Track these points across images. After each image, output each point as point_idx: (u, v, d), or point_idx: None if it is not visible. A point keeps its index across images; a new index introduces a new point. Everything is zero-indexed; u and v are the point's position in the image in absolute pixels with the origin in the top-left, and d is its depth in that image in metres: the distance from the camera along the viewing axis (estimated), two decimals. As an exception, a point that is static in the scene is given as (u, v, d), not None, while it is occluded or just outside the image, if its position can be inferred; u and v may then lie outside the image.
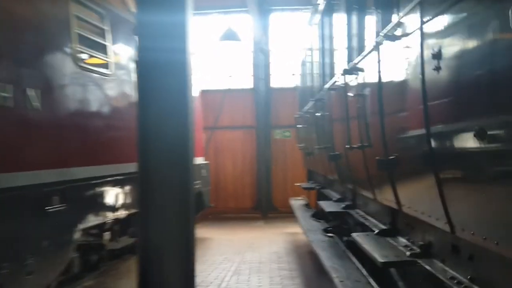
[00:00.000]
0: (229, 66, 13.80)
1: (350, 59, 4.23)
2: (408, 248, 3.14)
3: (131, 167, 5.50)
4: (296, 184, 10.56)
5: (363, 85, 3.65)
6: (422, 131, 2.48)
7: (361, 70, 3.72)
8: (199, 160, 9.16)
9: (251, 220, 12.42)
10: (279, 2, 13.51)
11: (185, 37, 3.47)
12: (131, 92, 6.15)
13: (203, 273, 6.96)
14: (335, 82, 4.93)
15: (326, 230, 6.36)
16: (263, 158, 13.40)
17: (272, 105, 13.59)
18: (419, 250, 2.97)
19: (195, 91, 9.26)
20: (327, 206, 5.60)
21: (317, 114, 6.31)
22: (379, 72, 3.14)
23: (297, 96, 12.17)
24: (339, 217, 5.82)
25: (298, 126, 9.69)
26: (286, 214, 12.77)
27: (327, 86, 5.46)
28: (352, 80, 3.99)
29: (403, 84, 2.76)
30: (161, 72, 3.26)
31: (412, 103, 2.63)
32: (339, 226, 6.10)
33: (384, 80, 3.10)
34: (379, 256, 3.04)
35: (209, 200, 10.00)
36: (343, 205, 5.43)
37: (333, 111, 5.31)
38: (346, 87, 3.98)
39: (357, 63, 3.78)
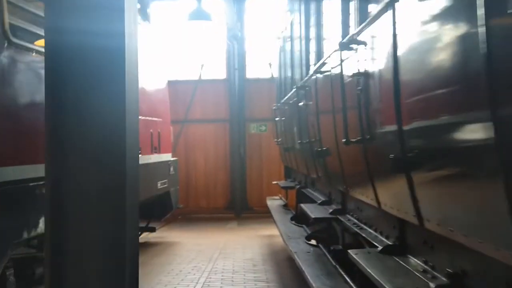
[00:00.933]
0: (200, 55, 12.88)
1: (345, 33, 3.44)
2: (429, 276, 2.38)
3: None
4: (273, 182, 9.79)
5: (367, 62, 2.87)
6: (461, 117, 1.73)
7: (363, 43, 2.93)
8: (166, 157, 8.27)
9: (224, 221, 11.60)
10: (254, -14, 12.67)
11: (122, 14, 2.66)
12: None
13: (167, 286, 6.11)
14: (324, 63, 4.14)
15: (309, 237, 5.60)
16: (237, 153, 12.58)
17: (247, 97, 12.77)
18: (446, 280, 2.21)
19: (160, 82, 8.34)
20: (312, 211, 4.82)
21: (300, 104, 5.51)
22: (394, 40, 2.35)
23: (275, 88, 11.41)
24: (325, 222, 5.05)
25: (276, 119, 8.90)
26: (261, 214, 12.02)
27: (312, 69, 4.67)
28: (350, 57, 3.20)
29: (432, 56, 1.98)
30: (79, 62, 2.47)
31: (446, 80, 1.85)
32: (324, 232, 5.34)
33: (401, 51, 2.31)
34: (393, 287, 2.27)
35: (177, 201, 9.11)
36: (331, 210, 4.67)
37: (320, 99, 4.52)
38: (341, 66, 3.19)
39: (357, 34, 2.99)
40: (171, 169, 8.58)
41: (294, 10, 6.69)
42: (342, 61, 3.18)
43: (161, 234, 9.90)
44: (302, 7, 5.58)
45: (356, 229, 3.81)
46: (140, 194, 6.94)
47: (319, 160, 4.92)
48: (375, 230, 3.45)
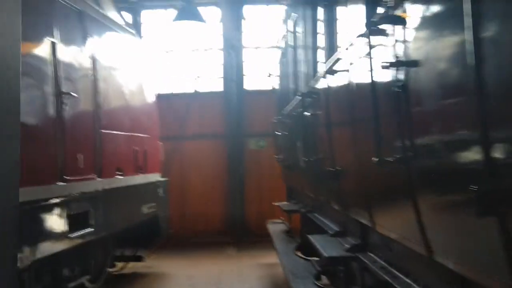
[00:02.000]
0: (196, 67, 12.04)
1: (371, 13, 2.54)
2: None
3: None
4: (274, 203, 8.83)
5: (414, 45, 1.96)
6: None
7: (402, 21, 2.04)
8: (153, 178, 7.34)
9: (221, 246, 10.59)
10: (252, -8, 11.88)
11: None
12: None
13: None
14: (338, 59, 3.24)
15: (318, 276, 4.64)
16: (235, 171, 11.64)
17: (245, 110, 11.88)
18: None
19: (148, 96, 7.47)
20: (323, 246, 3.87)
21: (305, 114, 4.60)
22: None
23: (275, 100, 10.55)
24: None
25: (276, 133, 7.99)
26: (262, 238, 11.03)
27: (322, 69, 3.78)
28: (380, 44, 2.29)
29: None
30: None
31: None
32: (337, 270, 4.38)
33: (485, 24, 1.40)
34: None
35: (167, 226, 8.14)
36: (347, 245, 3.72)
37: (333, 106, 3.61)
38: (370, 55, 2.28)
39: (394, 8, 2.09)
40: (160, 191, 7.64)
41: (297, 6, 5.84)
42: (371, 48, 2.27)
43: (151, 263, 8.90)
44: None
45: (386, 276, 2.86)
46: (122, 220, 6.00)
47: (331, 182, 3.99)
48: (418, 284, 2.50)
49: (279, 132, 7.83)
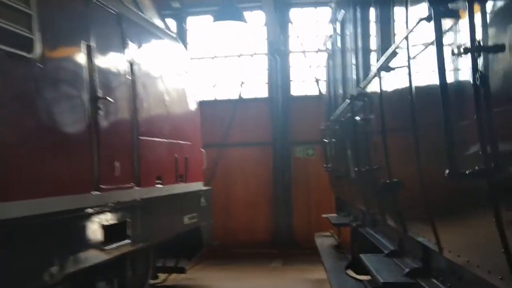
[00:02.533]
0: (240, 72, 11.84)
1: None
2: None
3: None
4: (323, 215, 8.38)
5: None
6: None
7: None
8: (195, 186, 7.12)
9: (266, 258, 10.24)
10: (299, -5, 11.53)
11: None
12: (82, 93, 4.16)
13: None
14: (395, 53, 2.83)
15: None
16: (281, 181, 11.27)
17: (291, 117, 11.52)
18: None
19: (189, 102, 7.29)
20: (378, 268, 3.43)
21: (356, 119, 4.19)
22: None
23: (323, 106, 10.14)
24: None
25: (324, 140, 7.57)
26: (309, 251, 10.57)
27: (375, 67, 3.36)
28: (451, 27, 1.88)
29: None
30: None
31: None
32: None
33: None
34: None
35: (210, 237, 7.89)
36: (407, 269, 3.27)
37: (389, 108, 3.19)
38: (437, 43, 1.87)
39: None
40: (202, 200, 7.41)
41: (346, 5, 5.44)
42: (438, 33, 1.86)
43: (193, 275, 8.69)
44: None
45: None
46: (161, 231, 5.80)
47: (386, 196, 3.56)
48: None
49: (327, 139, 7.40)
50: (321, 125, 8.06)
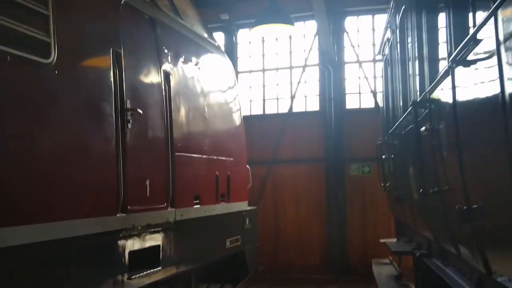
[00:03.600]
0: (290, 85, 11.33)
1: None
2: None
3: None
4: (381, 240, 7.59)
5: None
6: None
7: None
8: (239, 206, 6.62)
9: (319, 284, 9.51)
10: (355, 1, 10.90)
11: None
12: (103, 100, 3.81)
13: None
14: (474, 41, 2.18)
15: None
16: (335, 200, 10.54)
17: (346, 132, 10.81)
18: None
19: (233, 116, 6.86)
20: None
21: (421, 130, 3.52)
22: None
23: (380, 120, 9.39)
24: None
25: (382, 157, 6.84)
26: (367, 278, 9.72)
27: (447, 64, 2.71)
28: None
29: None
30: None
31: None
32: None
33: None
34: None
35: (256, 262, 7.32)
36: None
37: (466, 117, 2.52)
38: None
39: None
40: (247, 221, 6.88)
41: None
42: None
43: (238, 302, 8.13)
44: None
45: None
46: (198, 257, 5.33)
47: (461, 224, 2.86)
48: None
49: (384, 155, 6.68)
50: (378, 140, 7.33)
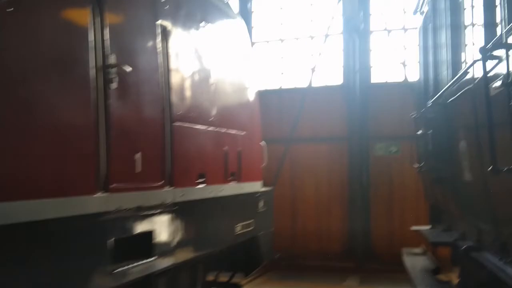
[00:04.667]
0: (310, 57, 10.43)
1: None
2: None
3: None
4: (412, 228, 6.77)
5: None
6: None
7: None
8: (251, 187, 5.87)
9: (339, 274, 8.77)
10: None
11: None
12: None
13: None
14: None
15: None
16: (359, 182, 9.72)
17: (371, 108, 9.92)
18: None
19: (245, 86, 6.07)
20: None
21: (493, 87, 2.67)
22: None
23: (414, 93, 8.48)
24: None
25: (417, 133, 5.96)
26: (392, 267, 8.94)
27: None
28: None
29: None
30: None
31: None
32: None
33: None
34: None
35: (271, 249, 6.59)
36: None
37: None
38: None
39: None
40: (261, 204, 6.13)
41: None
42: None
43: (251, 292, 7.47)
44: None
45: None
46: (203, 244, 4.61)
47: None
48: None
49: (422, 130, 5.81)
50: (412, 114, 6.44)
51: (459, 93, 3.69)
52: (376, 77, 10.14)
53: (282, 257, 9.85)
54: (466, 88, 3.37)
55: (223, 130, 5.07)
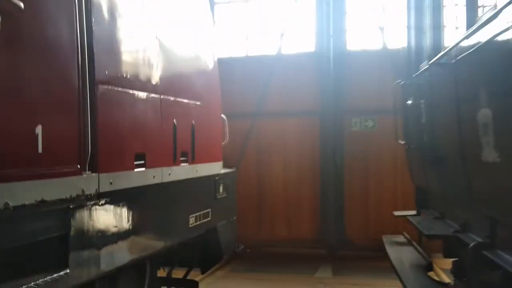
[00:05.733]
0: (278, 21, 9.46)
1: None
2: None
3: None
4: (396, 214, 6.04)
5: None
6: None
7: None
8: (208, 169, 4.95)
9: (311, 262, 8.06)
10: None
11: None
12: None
13: None
14: None
15: None
16: (332, 161, 8.96)
17: (346, 78, 9.10)
18: None
19: (201, 49, 5.07)
20: None
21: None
22: None
23: (395, 64, 7.72)
24: None
25: (408, 103, 5.14)
26: (368, 253, 8.32)
27: None
28: None
29: None
30: None
31: None
32: None
33: None
34: None
35: (232, 241, 5.72)
36: None
37: None
38: None
39: None
40: (220, 189, 5.23)
41: None
42: None
43: (211, 286, 6.61)
44: None
45: None
46: (141, 246, 3.62)
47: None
48: None
49: (412, 100, 5.00)
50: (398, 81, 5.61)
51: (477, 46, 2.84)
52: (352, 45, 9.30)
53: (247, 245, 9.05)
54: (490, 38, 2.52)
55: (171, 98, 4.09)
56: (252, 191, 9.36)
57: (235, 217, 5.77)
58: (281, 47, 9.42)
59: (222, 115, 5.62)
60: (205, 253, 5.24)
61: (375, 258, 8.00)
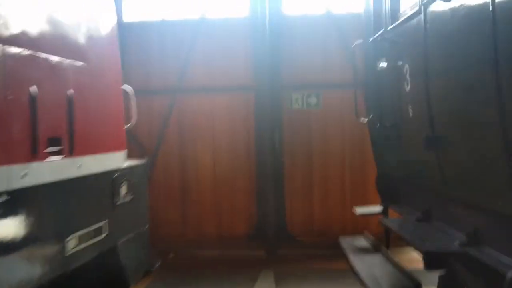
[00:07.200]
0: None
1: None
2: None
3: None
4: (359, 212, 4.92)
5: None
6: None
7: None
8: (105, 162, 3.49)
9: (247, 266, 6.88)
10: None
11: None
12: None
13: None
14: None
15: None
16: (269, 145, 7.80)
17: (285, 48, 7.92)
18: None
19: (93, 20, 3.55)
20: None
21: None
22: None
23: (335, 29, 6.64)
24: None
25: (381, 66, 3.95)
26: (311, 250, 7.32)
27: None
28: None
29: None
30: None
31: None
32: None
33: None
34: None
35: (145, 258, 4.30)
36: None
37: None
38: None
39: None
40: (123, 190, 3.79)
41: None
42: None
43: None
44: None
45: None
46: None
47: None
48: None
49: (381, 64, 3.82)
50: (358, 41, 4.42)
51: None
52: (292, 9, 8.09)
53: (172, 248, 7.71)
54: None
55: (26, 52, 2.58)
56: (174, 182, 8.01)
57: (147, 226, 4.36)
58: (206, 10, 8.01)
59: (126, 87, 4.16)
60: (106, 280, 3.80)
61: (323, 258, 7.00)
